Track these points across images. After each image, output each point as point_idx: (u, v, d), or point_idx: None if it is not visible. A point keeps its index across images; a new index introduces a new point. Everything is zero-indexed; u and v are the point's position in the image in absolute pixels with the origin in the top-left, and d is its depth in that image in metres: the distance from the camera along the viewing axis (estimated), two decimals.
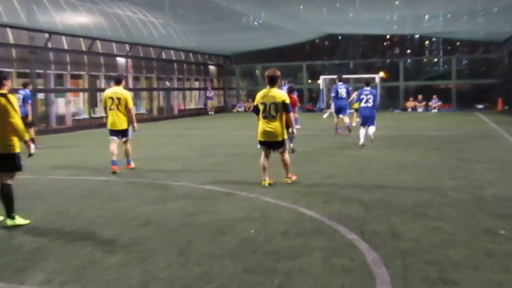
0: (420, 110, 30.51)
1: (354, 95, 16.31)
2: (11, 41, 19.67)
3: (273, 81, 7.88)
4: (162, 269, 4.26)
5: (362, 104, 13.20)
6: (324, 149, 12.66)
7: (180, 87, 31.09)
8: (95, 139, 16.27)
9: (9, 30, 19.62)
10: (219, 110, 33.68)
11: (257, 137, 8.07)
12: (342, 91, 16.62)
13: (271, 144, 8.01)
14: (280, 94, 7.90)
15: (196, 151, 12.80)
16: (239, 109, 33.65)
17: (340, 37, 37.97)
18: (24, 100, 12.89)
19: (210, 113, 31.75)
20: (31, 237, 5.33)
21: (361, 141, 12.94)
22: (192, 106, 32.65)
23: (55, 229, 5.58)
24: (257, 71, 35.80)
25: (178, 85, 30.90)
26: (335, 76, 20.49)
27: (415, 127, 19.23)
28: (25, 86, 13.41)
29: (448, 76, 31.75)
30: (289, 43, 33.58)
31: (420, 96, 31.01)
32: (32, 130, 13.14)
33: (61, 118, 21.99)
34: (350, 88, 17.53)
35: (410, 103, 31.15)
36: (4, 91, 5.84)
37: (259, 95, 7.96)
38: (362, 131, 13.07)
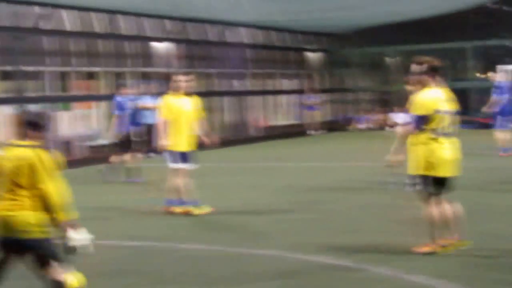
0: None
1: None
2: None
3: None
4: None
5: None
6: None
7: (258, 90, 31.63)
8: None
9: None
10: (328, 127, 33.71)
11: None
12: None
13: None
14: None
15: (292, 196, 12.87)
16: (361, 126, 33.57)
17: None
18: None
19: (309, 132, 31.99)
20: None
21: None
22: (281, 121, 33.18)
23: None
24: (387, 60, 35.59)
25: (253, 86, 31.44)
26: None
27: None
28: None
29: None
30: (448, 10, 32.62)
31: None
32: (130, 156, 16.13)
33: (66, 144, 22.18)
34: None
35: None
36: (33, 142, 6.19)
37: None
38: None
